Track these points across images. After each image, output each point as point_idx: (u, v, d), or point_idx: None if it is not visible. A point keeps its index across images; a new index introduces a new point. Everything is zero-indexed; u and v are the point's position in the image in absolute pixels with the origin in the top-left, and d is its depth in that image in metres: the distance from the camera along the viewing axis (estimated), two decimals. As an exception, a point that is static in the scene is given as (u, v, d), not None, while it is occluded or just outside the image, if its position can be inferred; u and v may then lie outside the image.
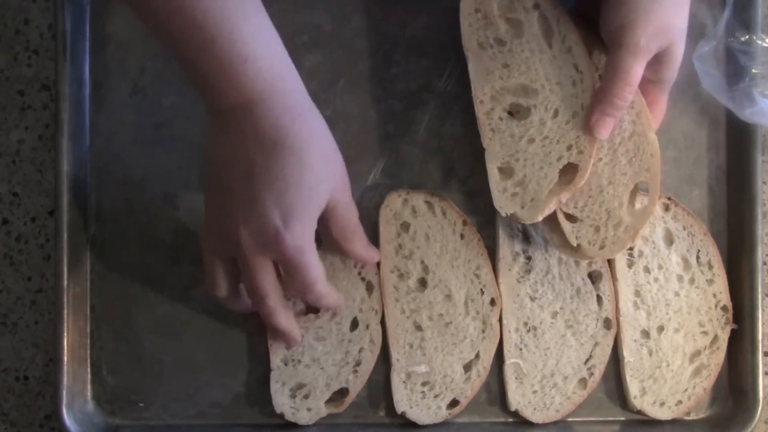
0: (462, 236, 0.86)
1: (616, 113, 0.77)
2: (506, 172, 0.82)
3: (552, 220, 0.81)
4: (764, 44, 0.87)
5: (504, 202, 0.82)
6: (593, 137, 0.78)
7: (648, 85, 0.80)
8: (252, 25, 0.71)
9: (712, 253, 0.89)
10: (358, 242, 0.81)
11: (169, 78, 0.86)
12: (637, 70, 0.75)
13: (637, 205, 0.81)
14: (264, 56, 0.72)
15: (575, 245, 0.80)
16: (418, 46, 0.88)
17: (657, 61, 0.78)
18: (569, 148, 0.80)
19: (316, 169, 0.73)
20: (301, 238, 0.74)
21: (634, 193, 0.81)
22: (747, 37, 0.87)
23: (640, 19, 0.73)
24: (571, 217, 0.80)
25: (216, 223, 0.76)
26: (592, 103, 0.78)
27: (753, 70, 0.87)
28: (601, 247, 0.80)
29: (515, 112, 0.83)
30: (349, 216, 0.79)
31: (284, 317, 0.80)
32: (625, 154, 0.80)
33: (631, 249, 0.88)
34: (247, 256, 0.74)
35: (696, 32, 0.89)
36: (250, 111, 0.72)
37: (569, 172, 0.80)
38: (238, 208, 0.74)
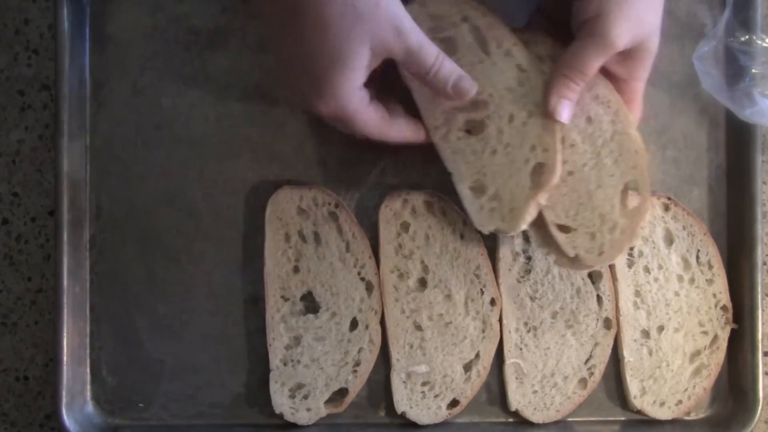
0: (462, 236, 0.86)
1: (573, 96, 0.76)
2: (478, 189, 0.81)
3: (545, 234, 0.79)
4: (764, 44, 0.87)
5: (483, 220, 0.81)
6: (553, 130, 0.77)
7: (622, 83, 0.79)
8: None
9: (711, 252, 0.89)
10: (438, 83, 0.75)
11: (169, 78, 0.86)
12: (596, 63, 0.74)
13: (630, 205, 0.80)
14: None
15: (573, 256, 0.79)
16: (418, 46, 0.88)
17: (629, 58, 0.76)
18: (533, 148, 0.78)
19: (336, 27, 0.69)
20: (337, 101, 0.72)
21: (625, 194, 0.80)
22: (747, 37, 0.87)
23: (612, 12, 0.72)
24: (564, 228, 0.79)
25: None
26: (548, 87, 0.76)
27: (753, 70, 0.87)
28: (600, 254, 0.78)
29: (471, 129, 0.81)
30: (413, 60, 0.73)
31: (397, 131, 0.79)
32: (610, 155, 0.78)
33: (631, 249, 0.88)
34: None
35: (696, 32, 0.89)
36: None
37: (541, 173, 0.78)
38: (285, 76, 0.76)
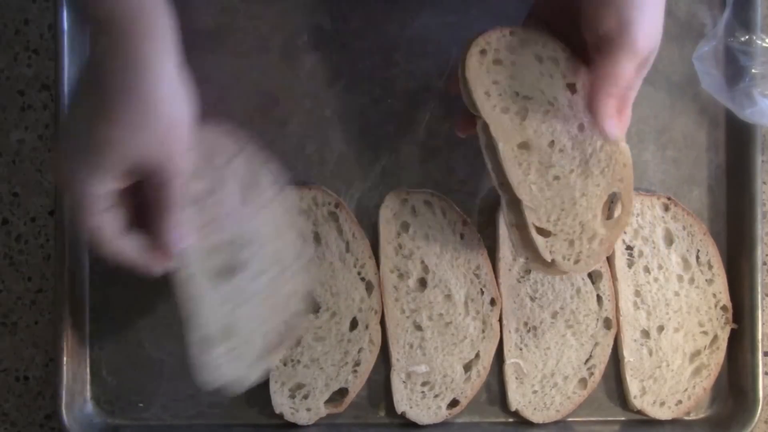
0: (462, 236, 0.86)
1: (612, 111, 0.73)
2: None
3: (524, 236, 0.78)
4: (764, 44, 0.87)
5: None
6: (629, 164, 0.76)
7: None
8: None
9: (711, 252, 0.89)
10: (167, 222, 0.72)
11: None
12: (631, 72, 0.72)
13: (614, 215, 0.78)
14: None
15: (549, 260, 0.77)
16: (418, 46, 0.88)
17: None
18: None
19: (118, 127, 0.65)
20: (73, 183, 0.68)
21: (607, 205, 0.78)
22: (747, 37, 0.87)
23: (637, 19, 0.69)
24: (544, 232, 0.77)
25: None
26: (595, 109, 0.73)
27: (753, 70, 0.87)
28: (576, 261, 0.77)
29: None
30: (164, 194, 0.71)
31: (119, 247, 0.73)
32: (597, 164, 0.77)
33: (631, 249, 0.88)
34: None
35: (696, 32, 0.89)
36: (99, 30, 0.65)
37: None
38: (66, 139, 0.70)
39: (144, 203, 0.72)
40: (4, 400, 0.89)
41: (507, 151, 0.75)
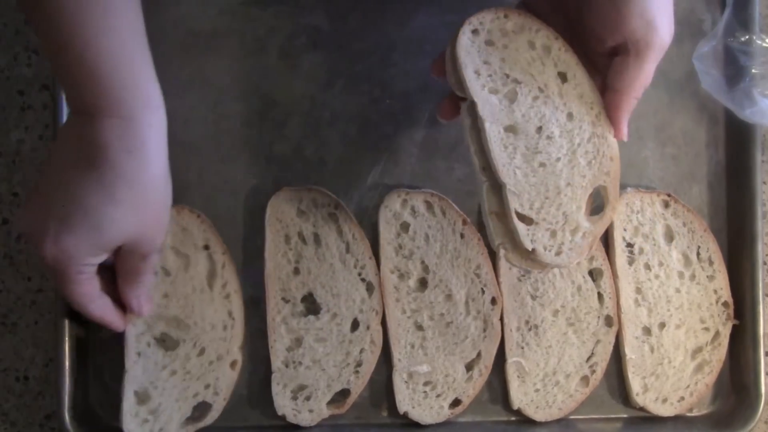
0: (462, 236, 0.86)
1: (630, 113, 0.74)
2: (142, 396, 0.84)
3: (503, 224, 0.75)
4: (764, 44, 0.87)
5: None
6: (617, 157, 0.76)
7: (618, 94, 0.75)
8: (112, 41, 0.67)
9: (712, 249, 0.89)
10: (136, 290, 0.80)
11: (167, 80, 0.86)
12: (653, 70, 0.71)
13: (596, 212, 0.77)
14: (116, 79, 0.68)
15: (530, 249, 0.74)
16: (416, 46, 0.88)
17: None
18: (207, 387, 0.84)
19: (115, 208, 0.70)
20: (65, 260, 0.71)
21: (591, 199, 0.76)
22: (747, 37, 0.87)
23: (657, 16, 0.69)
24: (525, 219, 0.75)
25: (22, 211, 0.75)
26: (612, 110, 0.74)
27: (753, 70, 0.87)
28: (558, 253, 0.75)
29: (162, 341, 0.85)
30: (142, 265, 0.77)
31: (98, 309, 0.79)
32: (585, 155, 0.75)
33: (631, 246, 0.88)
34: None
35: (694, 30, 0.89)
36: (87, 121, 0.69)
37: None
38: (34, 203, 0.72)
39: (110, 268, 0.78)
40: (4, 400, 0.89)
41: (493, 132, 0.74)
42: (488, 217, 0.75)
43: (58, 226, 0.70)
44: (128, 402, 0.83)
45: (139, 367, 0.84)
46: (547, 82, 0.75)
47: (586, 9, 0.71)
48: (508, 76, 0.75)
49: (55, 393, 0.84)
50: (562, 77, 0.76)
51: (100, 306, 0.79)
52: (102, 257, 0.74)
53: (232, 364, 0.85)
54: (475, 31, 0.75)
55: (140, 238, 0.74)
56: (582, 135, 0.75)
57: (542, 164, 0.75)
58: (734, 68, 0.87)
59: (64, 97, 0.83)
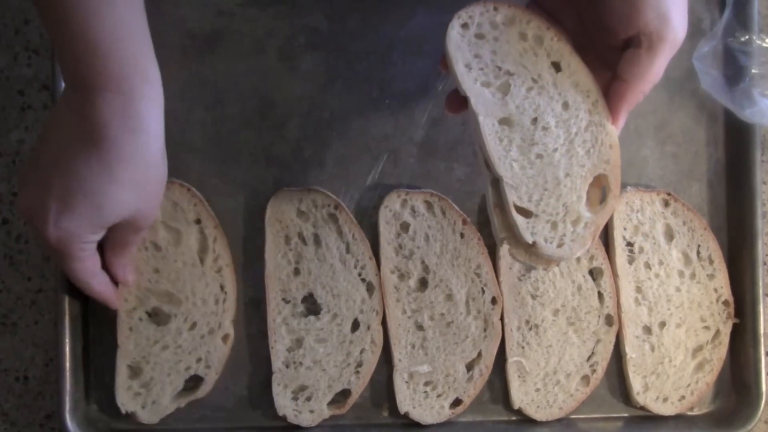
0: (462, 235, 0.86)
1: (633, 107, 0.73)
2: (135, 370, 0.85)
3: (506, 218, 0.74)
4: (763, 44, 0.87)
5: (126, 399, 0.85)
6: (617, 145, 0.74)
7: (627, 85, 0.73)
8: (112, 16, 0.66)
9: (712, 247, 0.89)
10: (122, 260, 0.81)
11: (166, 82, 0.86)
12: (664, 65, 0.71)
13: (598, 201, 0.75)
14: (116, 53, 0.67)
15: (531, 242, 0.73)
16: (415, 46, 0.88)
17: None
18: (198, 360, 0.85)
19: (118, 186, 0.70)
20: (67, 239, 0.72)
21: (593, 188, 0.75)
22: (747, 37, 0.87)
23: (671, 10, 0.68)
24: (525, 212, 0.74)
25: (20, 192, 0.75)
26: (616, 99, 0.73)
27: (753, 70, 0.87)
28: (560, 245, 0.74)
29: (154, 315, 0.86)
30: (133, 239, 0.79)
31: (98, 285, 0.81)
32: (582, 145, 0.74)
33: (631, 245, 0.88)
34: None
35: (693, 28, 0.89)
36: (86, 97, 0.68)
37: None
38: (32, 182, 0.72)
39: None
40: (4, 400, 0.89)
41: (487, 125, 0.74)
42: (492, 212, 0.75)
43: (59, 207, 0.70)
44: (121, 376, 0.84)
45: (131, 342, 0.84)
46: (541, 73, 0.74)
47: (600, 1, 0.70)
48: (500, 68, 0.74)
49: (58, 398, 0.84)
50: (556, 67, 0.75)
51: (100, 282, 0.80)
52: (102, 234, 0.75)
53: (224, 338, 0.85)
54: (464, 25, 0.74)
55: (138, 214, 0.74)
56: (579, 124, 0.74)
57: (539, 156, 0.74)
58: (734, 68, 0.87)
59: (60, 78, 0.84)
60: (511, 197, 0.73)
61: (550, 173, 0.74)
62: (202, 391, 0.85)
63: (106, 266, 0.81)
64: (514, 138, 0.74)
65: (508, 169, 0.73)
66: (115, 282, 0.83)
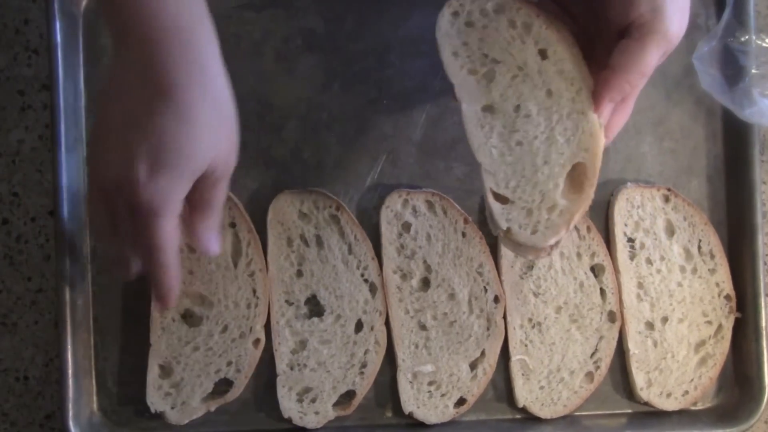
0: (464, 234, 0.86)
1: (619, 98, 0.72)
2: (166, 370, 0.85)
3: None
4: (763, 44, 0.87)
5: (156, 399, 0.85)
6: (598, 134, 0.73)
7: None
8: None
9: (713, 242, 0.89)
10: (209, 222, 0.75)
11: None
12: (656, 60, 0.70)
13: (575, 189, 0.75)
14: (173, 2, 0.66)
15: (505, 228, 0.74)
16: (412, 46, 0.88)
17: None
18: (229, 363, 0.85)
19: (200, 129, 0.67)
20: (161, 197, 0.68)
21: (570, 176, 0.74)
22: (746, 37, 0.87)
23: (668, 6, 0.68)
24: (501, 198, 0.74)
25: (96, 162, 0.72)
26: (599, 86, 0.72)
27: (752, 70, 0.87)
28: (534, 232, 0.74)
29: (187, 317, 0.86)
30: (215, 194, 0.74)
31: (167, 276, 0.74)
32: (563, 133, 0.74)
33: (632, 241, 0.88)
34: (116, 200, 0.70)
35: (691, 25, 0.89)
36: (147, 50, 0.66)
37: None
38: (110, 150, 0.69)
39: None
40: (4, 400, 0.88)
41: (470, 113, 0.74)
42: (486, 197, 0.75)
43: (149, 165, 0.67)
44: (152, 375, 0.84)
45: (163, 342, 0.85)
46: (527, 60, 0.74)
47: None
48: (486, 56, 0.75)
49: (62, 405, 0.83)
50: (542, 54, 0.74)
51: (177, 261, 0.74)
52: (189, 187, 0.70)
53: (255, 343, 0.85)
54: (455, 14, 0.75)
55: (219, 159, 0.71)
56: (561, 112, 0.74)
57: (519, 143, 0.74)
58: (733, 68, 0.87)
59: (61, 107, 0.83)
60: (488, 183, 0.74)
61: (528, 160, 0.74)
62: (231, 395, 0.85)
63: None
64: (496, 125, 0.74)
65: (487, 156, 0.74)
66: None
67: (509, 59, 0.75)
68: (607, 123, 0.74)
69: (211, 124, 0.68)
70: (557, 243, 0.74)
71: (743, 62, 0.87)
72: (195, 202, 0.73)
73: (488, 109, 0.74)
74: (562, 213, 0.73)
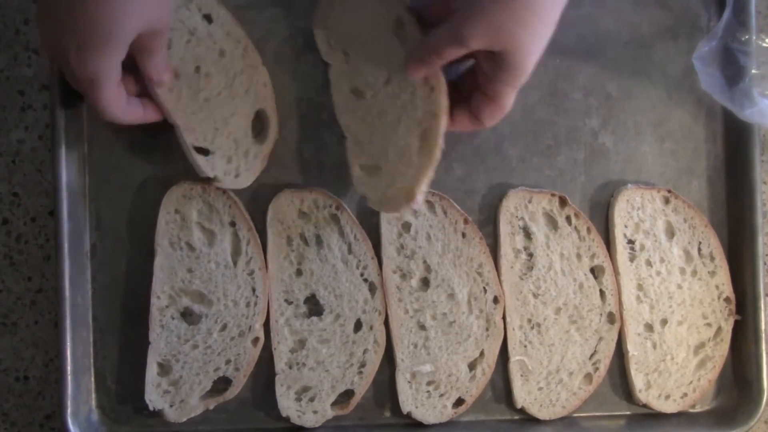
0: (463, 235, 0.86)
1: (423, 70, 0.78)
2: (165, 368, 0.86)
3: (366, 174, 0.84)
4: (763, 44, 0.87)
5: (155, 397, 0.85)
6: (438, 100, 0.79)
7: (486, 79, 0.78)
8: None
9: (713, 244, 0.89)
10: (153, 61, 0.79)
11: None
12: (449, 51, 0.74)
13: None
14: None
15: (212, 176, 0.82)
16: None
17: (494, 60, 0.75)
18: (228, 362, 0.85)
19: (121, 5, 0.70)
20: (93, 72, 0.73)
21: (256, 121, 0.85)
22: (746, 37, 0.87)
23: (463, 11, 0.72)
24: (203, 150, 0.83)
25: (42, 43, 0.77)
26: (412, 50, 0.79)
27: (752, 71, 0.87)
28: (236, 176, 0.84)
29: (186, 315, 0.86)
30: (156, 44, 0.77)
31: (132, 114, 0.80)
32: (241, 85, 0.84)
33: (632, 243, 0.88)
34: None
35: (690, 24, 0.90)
36: None
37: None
38: (47, 26, 0.73)
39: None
40: (4, 400, 0.88)
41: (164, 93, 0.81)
42: (353, 169, 0.84)
43: (76, 45, 0.71)
44: (151, 373, 0.84)
45: (162, 340, 0.85)
46: (196, 26, 0.83)
47: None
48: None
49: (60, 403, 0.83)
50: (208, 19, 0.84)
51: (133, 107, 0.80)
52: (124, 53, 0.73)
53: (254, 341, 0.85)
54: None
55: (151, 23, 0.73)
56: (235, 68, 0.84)
57: (207, 99, 0.83)
58: (734, 68, 0.87)
59: (61, 106, 0.84)
60: (189, 140, 0.82)
61: (218, 114, 0.84)
62: (230, 393, 0.85)
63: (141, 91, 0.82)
64: (182, 87, 0.82)
65: (182, 117, 0.82)
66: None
67: (180, 26, 0.83)
68: (479, 112, 0.80)
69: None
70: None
71: (743, 62, 0.87)
72: (138, 53, 0.77)
73: (176, 76, 0.83)
74: (256, 156, 0.85)
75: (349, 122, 0.85)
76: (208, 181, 0.83)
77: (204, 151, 0.83)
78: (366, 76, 0.83)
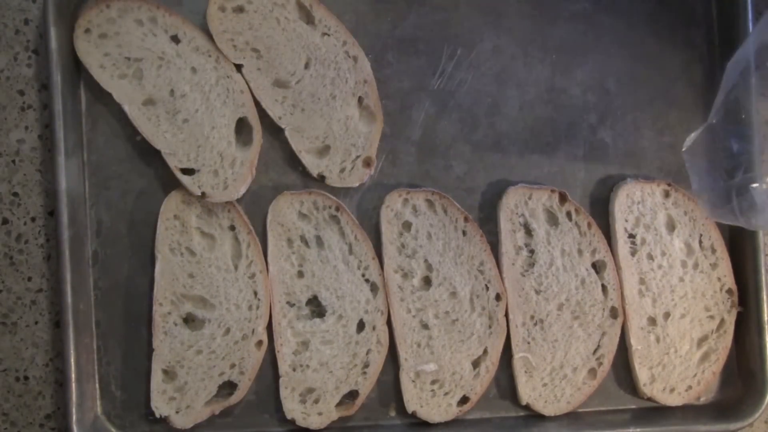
0: (464, 233, 0.86)
1: None
2: (169, 374, 0.86)
3: (317, 158, 0.87)
4: (760, 133, 0.84)
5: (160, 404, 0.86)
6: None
7: None
8: None
9: (714, 237, 0.89)
10: None
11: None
12: None
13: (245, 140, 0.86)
14: None
15: (200, 194, 0.83)
16: (410, 46, 0.88)
17: None
18: (232, 366, 0.85)
19: None
20: None
21: (239, 130, 0.85)
22: (739, 123, 0.83)
23: None
24: (189, 171, 0.84)
25: None
26: None
27: (748, 159, 0.81)
28: (225, 188, 0.84)
29: (189, 321, 0.86)
30: None
31: None
32: (218, 98, 0.85)
33: (633, 237, 0.88)
34: None
35: (688, 20, 0.90)
36: None
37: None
38: None
39: None
40: (4, 400, 0.88)
41: (134, 111, 0.84)
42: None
43: None
44: (156, 379, 0.85)
45: (166, 346, 0.85)
46: (164, 50, 0.84)
47: None
48: (129, 58, 0.84)
49: (65, 410, 0.84)
50: (175, 39, 0.85)
51: None
52: None
53: (258, 344, 0.85)
54: (87, 31, 0.84)
55: None
56: (209, 81, 0.85)
57: (185, 120, 0.84)
58: (728, 159, 0.82)
59: (60, 113, 0.84)
60: (173, 163, 0.83)
61: (198, 132, 0.84)
62: (236, 397, 0.85)
63: None
64: (160, 113, 0.84)
65: (163, 141, 0.84)
66: None
67: (149, 54, 0.84)
68: None
69: None
70: None
71: (738, 150, 0.82)
72: None
73: (148, 102, 0.84)
74: (243, 163, 0.85)
75: (281, 114, 0.86)
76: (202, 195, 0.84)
77: (190, 171, 0.84)
78: (284, 66, 0.85)
